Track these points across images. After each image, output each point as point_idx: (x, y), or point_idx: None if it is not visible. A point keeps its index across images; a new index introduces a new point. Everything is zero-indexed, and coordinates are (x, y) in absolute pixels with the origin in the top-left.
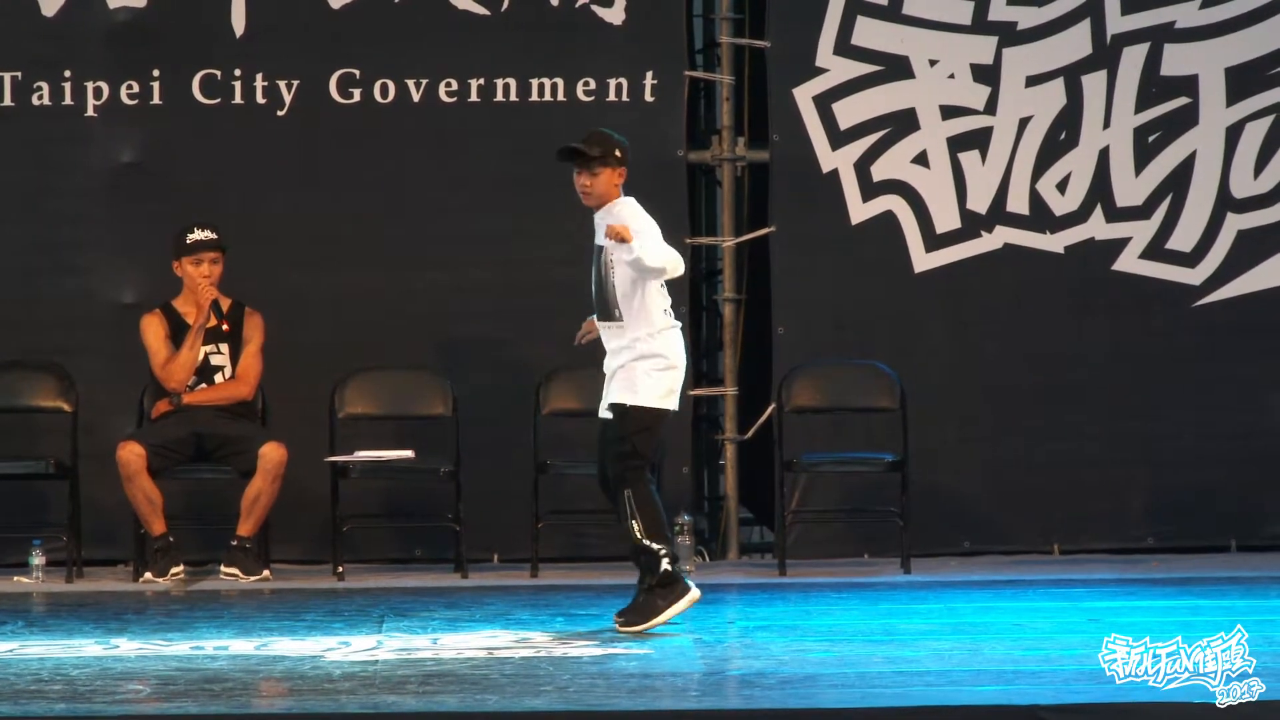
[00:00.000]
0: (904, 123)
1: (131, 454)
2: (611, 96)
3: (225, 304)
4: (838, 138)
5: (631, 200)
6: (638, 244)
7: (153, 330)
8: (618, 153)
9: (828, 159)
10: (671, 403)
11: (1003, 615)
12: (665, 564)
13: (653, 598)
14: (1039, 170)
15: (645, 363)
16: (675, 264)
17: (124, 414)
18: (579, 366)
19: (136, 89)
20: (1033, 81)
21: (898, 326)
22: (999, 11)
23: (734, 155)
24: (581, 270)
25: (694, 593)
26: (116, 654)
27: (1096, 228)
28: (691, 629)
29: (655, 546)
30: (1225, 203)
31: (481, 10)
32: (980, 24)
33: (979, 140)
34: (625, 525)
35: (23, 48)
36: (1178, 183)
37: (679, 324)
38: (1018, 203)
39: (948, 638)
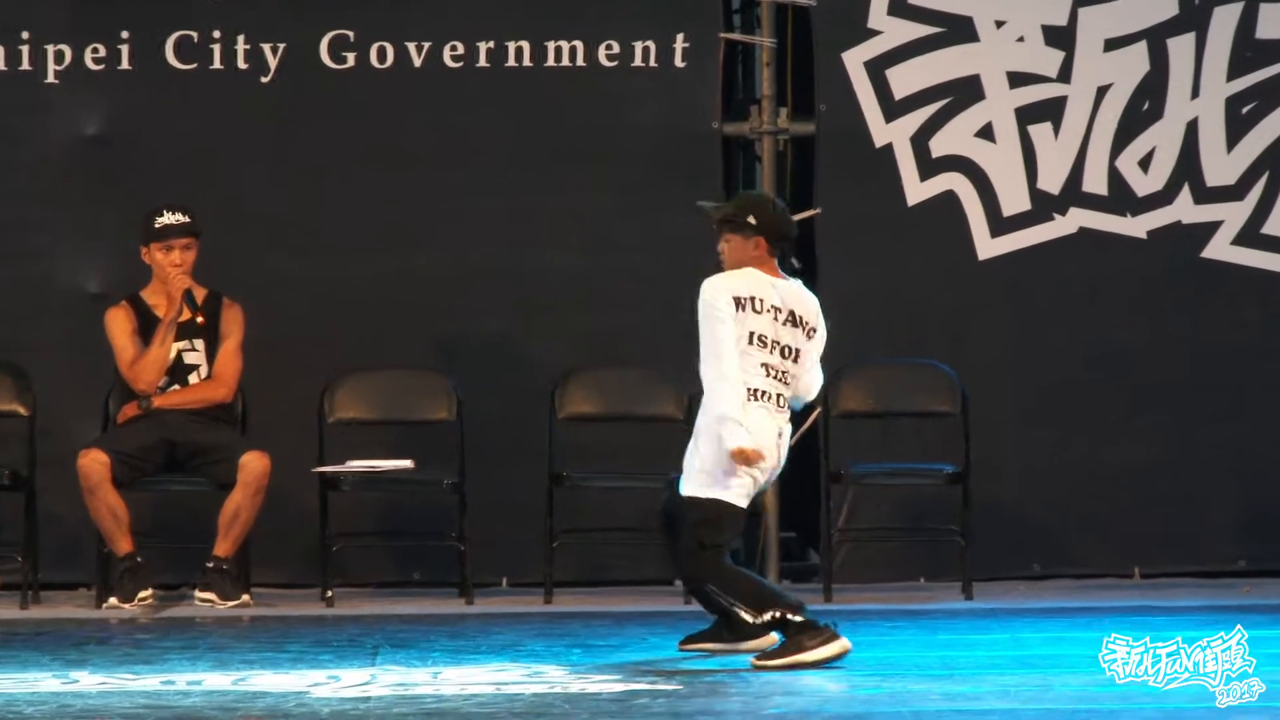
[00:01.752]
0: (967, 92)
1: (95, 463)
2: (638, 61)
3: (200, 295)
4: (892, 108)
5: (742, 272)
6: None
7: (119, 325)
8: (751, 219)
9: (881, 132)
10: (737, 497)
11: (1076, 647)
12: (794, 618)
13: (799, 638)
14: (1119, 145)
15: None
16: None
17: (87, 418)
18: (599, 366)
19: (103, 53)
20: (1112, 45)
21: (958, 321)
22: None
23: (775, 128)
24: (602, 256)
25: (845, 641)
26: (77, 689)
27: (1183, 210)
28: (724, 662)
29: (771, 616)
30: None
31: None
32: None
33: (1051, 111)
34: (734, 614)
35: None
36: (1275, 160)
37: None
38: (1095, 182)
39: (1014, 672)
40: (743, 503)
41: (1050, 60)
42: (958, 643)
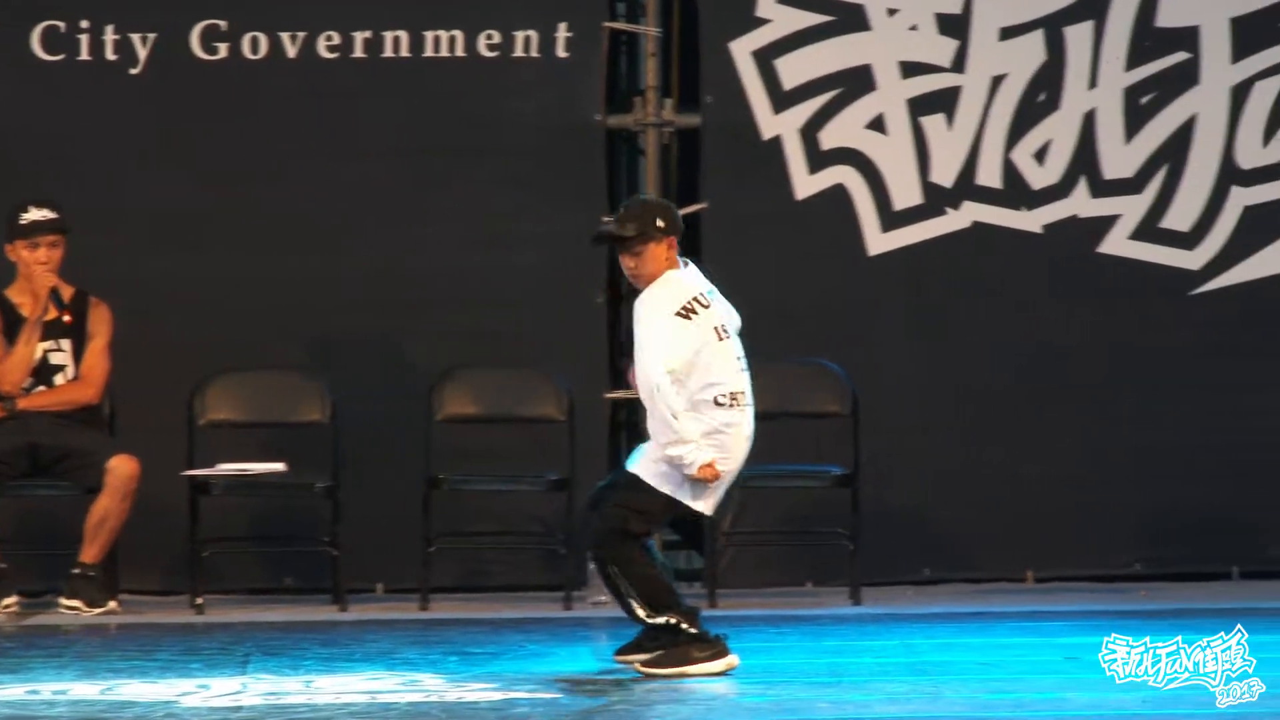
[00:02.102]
0: (858, 82)
1: None
2: (519, 52)
3: (67, 293)
4: (781, 100)
5: (670, 280)
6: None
7: None
8: (660, 222)
9: (769, 124)
10: (695, 500)
11: (967, 653)
12: (687, 628)
13: (689, 647)
14: (1014, 137)
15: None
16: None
17: None
18: (478, 366)
19: None
20: (1008, 34)
21: (849, 318)
22: None
23: (660, 120)
24: (482, 253)
25: (733, 658)
26: None
27: (1080, 204)
28: (605, 668)
29: (664, 620)
30: (1229, 174)
31: None
32: None
33: (945, 102)
34: (623, 604)
35: None
36: (1175, 151)
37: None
38: (989, 175)
39: (904, 679)
40: (706, 509)
41: (944, 49)
42: (846, 649)
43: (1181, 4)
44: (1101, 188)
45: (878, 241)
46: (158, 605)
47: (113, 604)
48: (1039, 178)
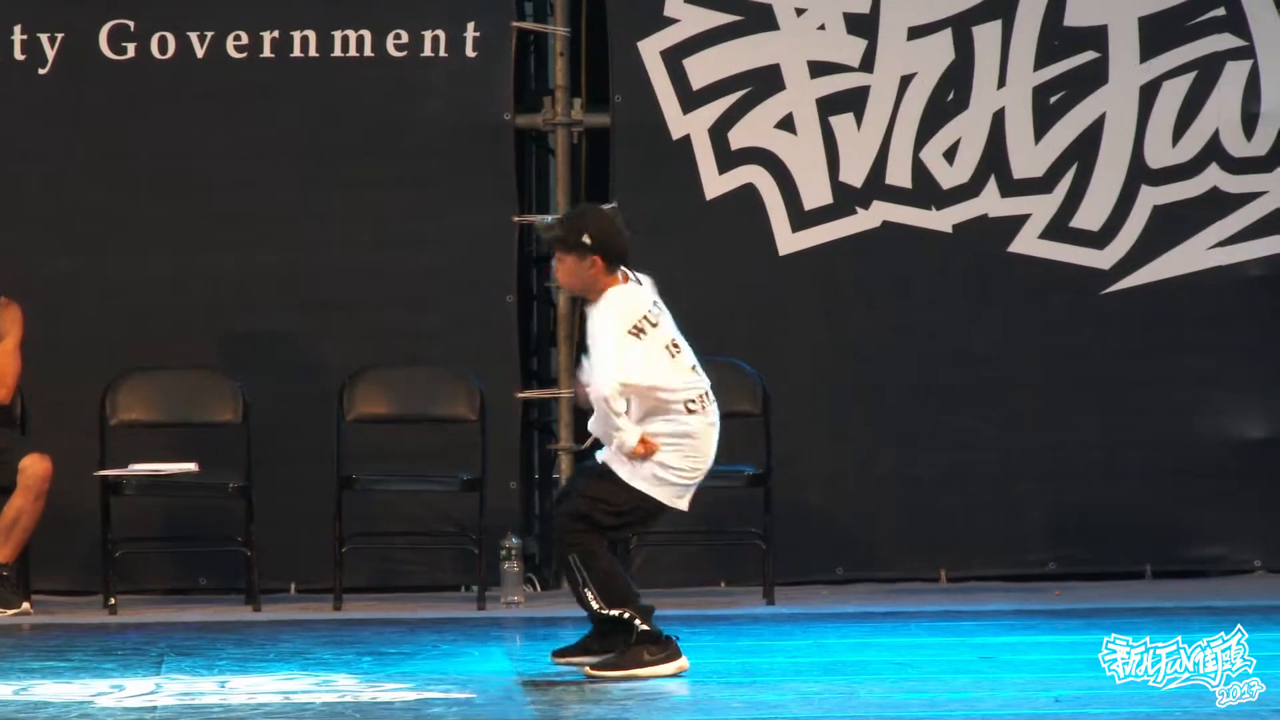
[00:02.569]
0: (767, 81)
1: None
2: (427, 51)
3: None
4: (690, 99)
5: (617, 300)
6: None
7: None
8: (585, 239)
9: (678, 124)
10: (671, 497)
11: (881, 653)
12: (641, 625)
13: (639, 649)
14: (923, 137)
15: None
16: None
17: None
18: (389, 366)
19: None
20: (916, 33)
21: (759, 318)
22: None
23: (569, 119)
24: (393, 252)
25: (684, 661)
26: None
27: (990, 203)
28: (520, 669)
29: (618, 613)
30: (1139, 174)
31: None
32: None
33: (854, 102)
34: (578, 593)
35: None
36: (1084, 151)
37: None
38: (898, 174)
39: (817, 679)
40: (680, 505)
41: (852, 49)
42: (760, 649)
43: (1090, 3)
44: (1011, 187)
45: (788, 241)
46: (71, 606)
47: (25, 605)
48: (948, 177)
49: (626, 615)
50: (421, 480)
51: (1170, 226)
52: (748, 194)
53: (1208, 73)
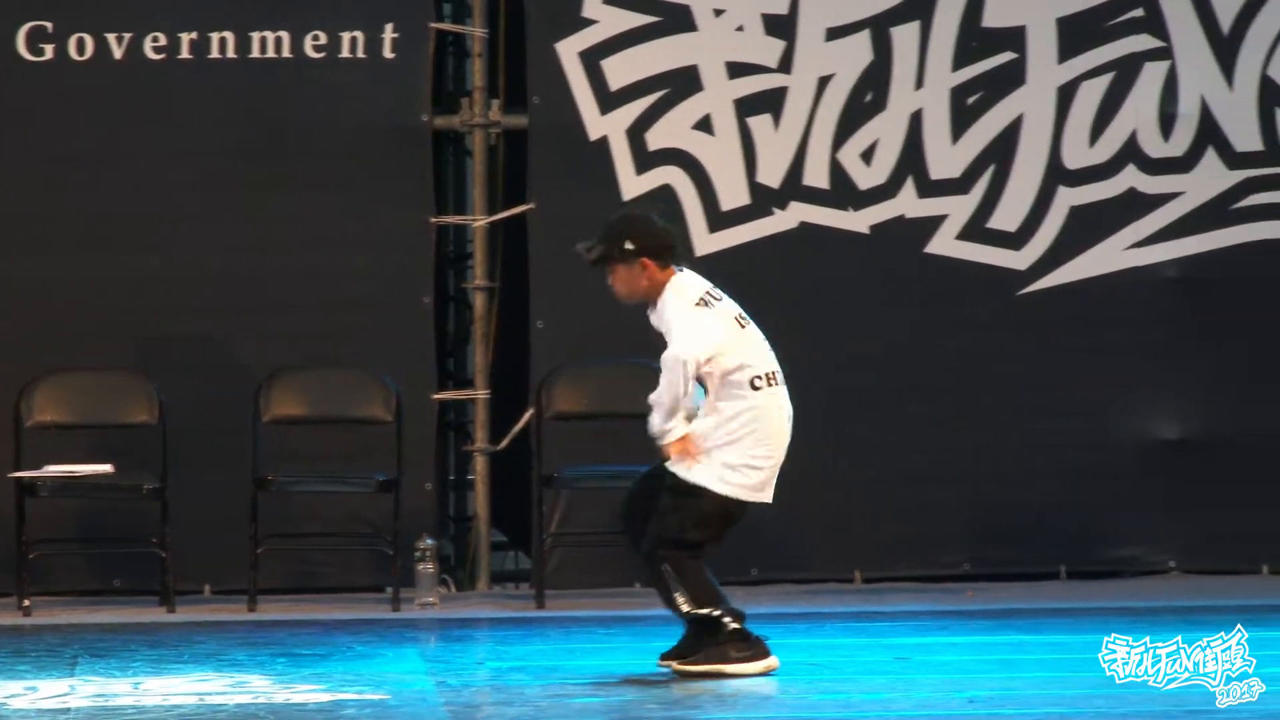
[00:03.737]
0: (684, 82)
1: None
2: (345, 53)
3: None
4: (608, 100)
5: (677, 286)
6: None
7: None
8: (628, 245)
9: (596, 125)
10: (751, 492)
11: (796, 653)
12: (729, 623)
13: (727, 647)
14: (841, 138)
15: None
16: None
17: None
18: (305, 367)
19: None
20: (834, 34)
21: None
22: None
23: (487, 121)
24: (310, 254)
25: (773, 660)
26: None
27: (907, 204)
28: (434, 670)
29: (705, 612)
30: (1056, 175)
31: None
32: None
33: (771, 103)
34: (669, 599)
35: None
36: (1001, 152)
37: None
38: (816, 175)
39: (732, 680)
40: (762, 498)
41: (770, 50)
42: None
43: (1008, 4)
44: (928, 188)
45: (705, 242)
46: None
47: None
48: (866, 178)
49: (715, 614)
50: (337, 481)
51: (1087, 227)
52: (665, 195)
53: (1126, 73)
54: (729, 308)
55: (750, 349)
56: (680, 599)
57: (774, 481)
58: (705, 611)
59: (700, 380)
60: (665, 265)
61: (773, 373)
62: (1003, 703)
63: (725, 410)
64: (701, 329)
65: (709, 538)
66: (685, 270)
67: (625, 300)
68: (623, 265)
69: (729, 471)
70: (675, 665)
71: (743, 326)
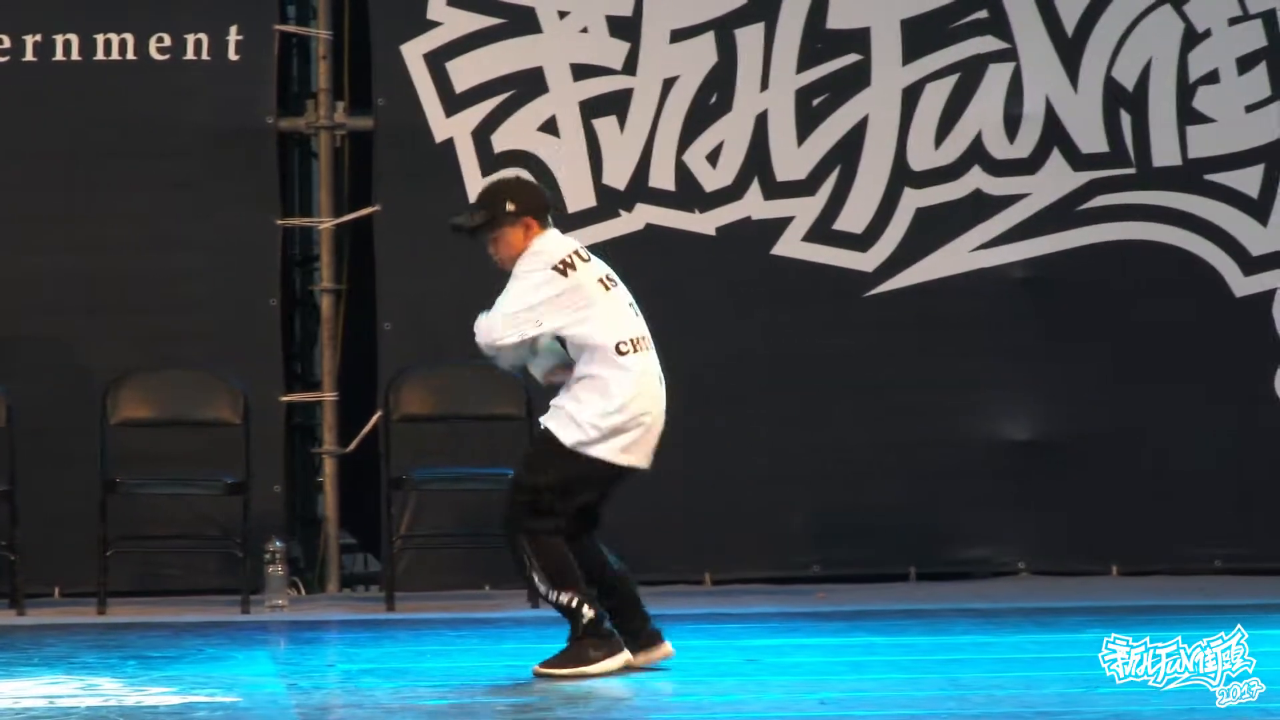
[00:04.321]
0: (530, 84)
1: None
2: (190, 54)
3: None
4: (453, 102)
5: (537, 248)
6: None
7: None
8: (509, 205)
9: (441, 127)
10: (624, 456)
11: None
12: (587, 612)
13: (584, 646)
14: (686, 139)
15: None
16: (491, 340)
17: None
18: (153, 369)
19: None
20: (679, 36)
21: None
22: None
23: (332, 123)
24: (156, 255)
25: (628, 654)
26: None
27: (753, 206)
28: (284, 673)
29: (567, 600)
30: (902, 176)
31: None
32: None
33: (617, 104)
34: (530, 578)
35: None
36: (847, 153)
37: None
38: (662, 177)
39: (583, 683)
40: (629, 460)
41: (615, 52)
42: (525, 652)
43: (852, 6)
44: (774, 189)
45: None
46: None
47: None
48: (712, 180)
49: (573, 602)
50: (185, 484)
51: (933, 229)
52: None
53: (970, 75)
54: (596, 268)
55: (616, 312)
56: (539, 581)
57: (650, 448)
58: (567, 599)
59: (561, 341)
60: (545, 225)
61: (639, 338)
62: (854, 704)
63: (590, 376)
64: (538, 289)
65: (569, 510)
66: (552, 230)
67: (507, 267)
68: (508, 227)
69: (597, 424)
70: (536, 668)
71: (608, 288)
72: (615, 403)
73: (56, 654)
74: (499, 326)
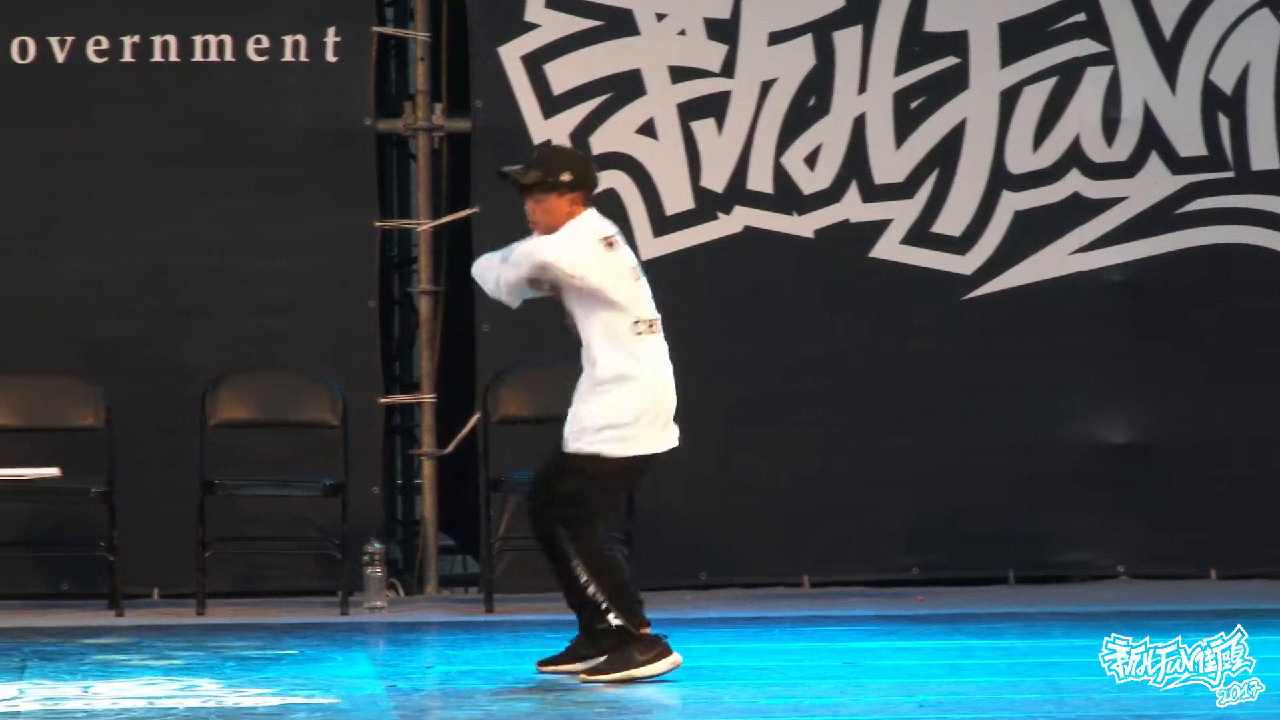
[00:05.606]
0: (628, 87)
1: None
2: (288, 56)
3: None
4: (551, 104)
5: (580, 221)
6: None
7: None
8: (565, 176)
9: (539, 129)
10: (621, 447)
11: (745, 658)
12: (614, 619)
13: (630, 650)
14: (784, 142)
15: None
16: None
17: None
18: (251, 371)
19: None
20: (777, 38)
21: None
22: None
23: (430, 124)
24: (255, 257)
25: (677, 657)
26: None
27: (851, 209)
28: (383, 674)
29: (603, 603)
30: (1000, 179)
31: None
32: None
33: (715, 107)
34: (589, 600)
35: None
36: (945, 156)
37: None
38: (760, 180)
39: (681, 684)
40: (670, 442)
41: (713, 54)
42: None
43: (950, 9)
44: (872, 193)
45: (649, 246)
46: None
47: None
48: (810, 183)
49: (607, 609)
50: (284, 485)
51: (1031, 232)
52: (609, 199)
53: (1068, 78)
54: (629, 255)
55: (640, 298)
56: (581, 574)
57: (671, 425)
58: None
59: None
60: (587, 204)
61: (654, 320)
62: (952, 707)
63: (607, 359)
64: (582, 249)
65: (607, 505)
66: (594, 210)
67: (541, 232)
68: (556, 195)
69: (618, 422)
70: (583, 676)
71: (637, 279)
72: (632, 401)
73: (155, 655)
74: (549, 247)
